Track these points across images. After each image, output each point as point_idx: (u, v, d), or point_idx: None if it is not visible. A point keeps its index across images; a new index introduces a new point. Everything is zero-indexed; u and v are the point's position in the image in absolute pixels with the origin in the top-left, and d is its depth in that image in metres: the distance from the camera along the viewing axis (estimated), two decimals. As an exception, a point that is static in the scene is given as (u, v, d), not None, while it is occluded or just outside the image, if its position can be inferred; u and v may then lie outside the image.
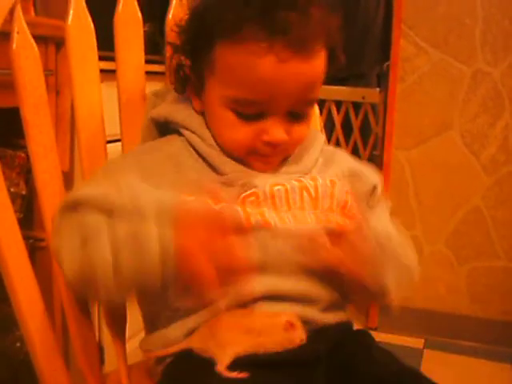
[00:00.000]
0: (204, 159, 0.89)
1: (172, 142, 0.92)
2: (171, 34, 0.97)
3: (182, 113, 0.93)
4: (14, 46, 0.86)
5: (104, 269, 0.74)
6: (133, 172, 0.85)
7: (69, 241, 0.79)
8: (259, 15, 0.81)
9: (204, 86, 0.90)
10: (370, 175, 1.00)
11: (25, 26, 0.87)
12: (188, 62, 0.91)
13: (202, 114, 0.92)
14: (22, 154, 1.45)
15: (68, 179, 1.46)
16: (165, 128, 0.94)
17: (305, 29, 0.82)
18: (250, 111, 0.86)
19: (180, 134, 0.92)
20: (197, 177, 0.87)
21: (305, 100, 0.88)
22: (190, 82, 0.92)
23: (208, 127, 0.91)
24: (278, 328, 0.80)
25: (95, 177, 0.89)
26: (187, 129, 0.91)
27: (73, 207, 0.81)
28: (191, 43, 0.90)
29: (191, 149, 0.90)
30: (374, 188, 0.98)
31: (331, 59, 0.89)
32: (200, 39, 0.87)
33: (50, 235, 0.86)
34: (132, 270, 0.74)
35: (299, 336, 0.80)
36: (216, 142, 0.90)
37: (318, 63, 0.86)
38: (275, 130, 0.86)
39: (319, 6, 0.85)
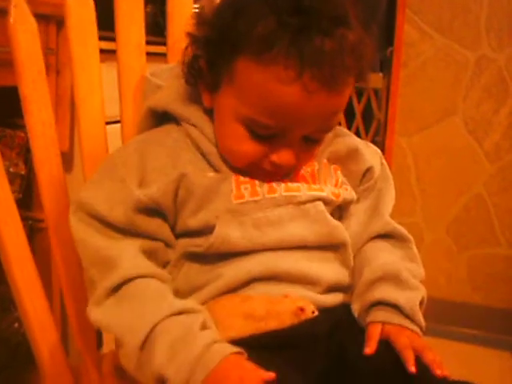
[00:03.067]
0: (202, 153, 0.87)
1: (170, 133, 0.89)
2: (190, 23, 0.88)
3: (182, 104, 0.89)
4: (12, 19, 0.85)
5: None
6: (134, 175, 0.83)
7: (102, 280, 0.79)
8: (293, 39, 0.74)
9: (219, 88, 0.84)
10: (368, 156, 0.98)
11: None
12: (205, 59, 0.85)
13: (210, 110, 0.88)
14: (22, 134, 1.44)
15: (67, 160, 1.46)
16: (162, 115, 0.91)
17: (338, 61, 0.76)
18: (264, 132, 0.82)
19: (177, 123, 0.90)
20: (193, 171, 0.85)
21: (324, 128, 0.85)
22: (203, 76, 0.86)
23: (211, 123, 0.88)
24: (286, 314, 0.80)
25: (103, 178, 0.86)
26: (187, 122, 0.88)
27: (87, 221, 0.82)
28: (213, 44, 0.83)
29: (189, 141, 0.88)
30: (368, 169, 0.97)
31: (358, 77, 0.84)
32: (223, 45, 0.81)
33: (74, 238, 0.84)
34: None
35: (310, 309, 0.81)
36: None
37: (345, 93, 0.81)
38: (285, 154, 0.83)
39: (357, 29, 0.79)
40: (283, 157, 0.83)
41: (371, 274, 0.89)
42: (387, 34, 2.48)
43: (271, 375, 0.68)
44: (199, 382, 0.69)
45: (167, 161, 0.85)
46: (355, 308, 0.88)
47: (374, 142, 2.56)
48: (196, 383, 0.69)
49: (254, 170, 0.85)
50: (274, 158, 0.83)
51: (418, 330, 0.85)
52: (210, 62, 0.84)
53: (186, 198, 0.84)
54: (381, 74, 2.57)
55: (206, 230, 0.83)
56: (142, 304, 0.76)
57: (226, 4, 0.84)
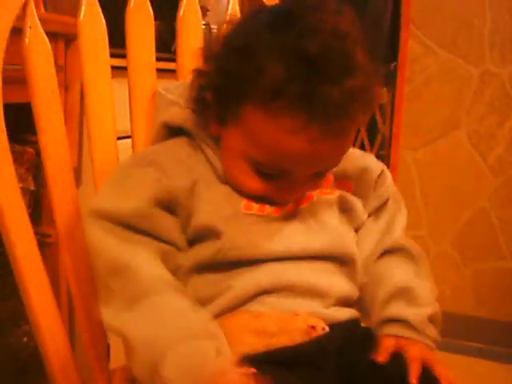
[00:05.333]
0: (214, 170, 0.87)
1: (183, 147, 0.89)
2: (198, 56, 0.88)
3: (195, 124, 0.89)
4: (27, 41, 0.86)
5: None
6: (153, 181, 0.83)
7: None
8: (300, 90, 0.73)
9: (226, 123, 0.84)
10: (374, 166, 0.98)
11: (37, 21, 0.87)
12: (212, 93, 0.84)
13: (217, 138, 0.87)
14: (31, 150, 1.45)
15: (76, 174, 1.47)
16: (175, 130, 0.92)
17: (346, 112, 0.75)
18: (270, 172, 0.82)
19: (190, 138, 0.90)
20: (206, 180, 0.86)
21: (331, 167, 0.86)
22: (210, 107, 0.85)
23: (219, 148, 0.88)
24: (298, 332, 0.80)
25: (117, 185, 0.86)
26: (201, 139, 0.89)
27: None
28: (219, 86, 0.82)
29: (202, 157, 0.88)
30: (380, 175, 0.97)
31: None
32: (230, 89, 0.80)
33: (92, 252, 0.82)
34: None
35: (321, 327, 0.81)
36: None
37: (350, 138, 0.82)
38: (290, 191, 0.84)
39: (365, 74, 0.77)
40: (291, 192, 0.85)
41: (384, 294, 0.90)
42: (391, 49, 2.50)
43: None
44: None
45: (181, 171, 0.85)
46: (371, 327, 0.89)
47: (378, 156, 2.57)
48: None
49: (261, 198, 0.86)
50: (279, 196, 0.84)
51: (429, 342, 0.87)
52: (217, 98, 0.83)
53: (196, 204, 0.84)
54: (385, 89, 2.59)
55: (213, 235, 0.83)
56: (161, 322, 0.75)
57: (233, 45, 0.82)
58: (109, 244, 0.79)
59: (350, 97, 0.75)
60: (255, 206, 0.85)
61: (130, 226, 0.80)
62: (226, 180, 0.87)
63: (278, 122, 0.76)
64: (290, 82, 0.73)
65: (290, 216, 0.87)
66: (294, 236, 0.86)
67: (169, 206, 0.83)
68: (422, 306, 0.89)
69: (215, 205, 0.84)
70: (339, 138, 0.78)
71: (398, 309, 0.88)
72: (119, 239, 0.79)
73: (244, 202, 0.85)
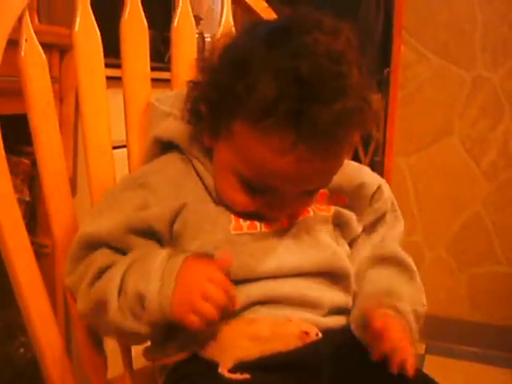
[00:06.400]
0: (204, 184, 0.88)
1: (174, 163, 0.90)
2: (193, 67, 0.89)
3: (187, 137, 0.90)
4: (23, 53, 0.87)
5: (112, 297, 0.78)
6: (136, 206, 0.85)
7: (83, 277, 0.83)
8: (290, 110, 0.73)
9: (218, 136, 0.84)
10: (370, 181, 0.97)
11: (33, 33, 0.88)
12: (206, 105, 0.84)
13: (210, 152, 0.88)
14: (26, 161, 1.45)
15: (71, 185, 1.47)
16: (168, 143, 0.92)
17: (334, 134, 0.75)
18: (258, 188, 0.82)
19: (182, 152, 0.91)
20: (194, 200, 0.86)
21: (320, 186, 0.86)
22: (203, 119, 0.86)
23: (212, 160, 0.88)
24: (291, 337, 0.81)
25: (104, 208, 0.89)
26: (192, 155, 0.89)
27: (86, 247, 0.85)
28: (212, 101, 0.82)
29: (193, 171, 0.89)
30: (376, 190, 0.97)
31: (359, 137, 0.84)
32: (222, 104, 0.80)
33: (65, 272, 0.88)
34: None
35: (314, 332, 0.82)
36: None
37: (341, 160, 0.82)
38: (282, 206, 0.84)
39: (358, 95, 0.76)
40: (277, 212, 0.85)
41: (372, 290, 0.90)
42: (384, 56, 2.51)
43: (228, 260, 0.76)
44: (171, 288, 0.75)
45: (170, 192, 0.86)
46: (351, 319, 0.89)
47: (372, 162, 2.58)
48: (168, 290, 0.75)
49: (251, 214, 0.86)
50: (268, 212, 0.85)
51: (408, 328, 0.85)
52: (211, 111, 0.83)
53: (182, 230, 0.85)
54: (379, 95, 2.59)
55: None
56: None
57: (228, 58, 0.82)
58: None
59: (339, 119, 0.74)
60: (245, 225, 0.86)
61: (108, 244, 0.84)
62: (216, 195, 0.87)
63: (266, 141, 0.76)
64: (279, 101, 0.73)
65: (284, 231, 0.88)
66: (287, 254, 0.86)
67: (146, 231, 0.85)
68: (410, 304, 0.89)
69: (204, 231, 0.84)
70: (328, 159, 0.78)
71: (386, 300, 0.87)
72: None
73: (233, 223, 0.85)
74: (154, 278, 0.76)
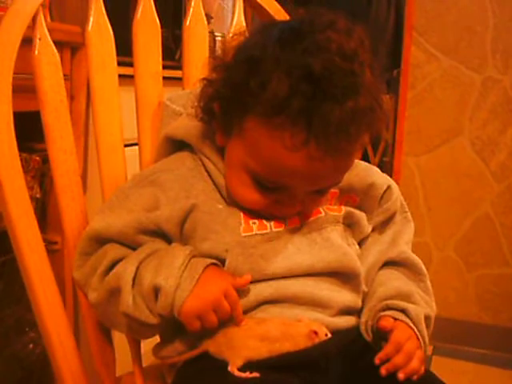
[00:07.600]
0: (215, 184, 0.88)
1: (184, 162, 0.90)
2: (206, 65, 0.89)
3: (199, 136, 0.90)
4: (36, 52, 0.87)
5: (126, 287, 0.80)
6: (146, 206, 0.86)
7: (96, 268, 0.86)
8: (302, 107, 0.73)
9: (231, 134, 0.84)
10: (380, 182, 0.97)
11: (46, 32, 0.88)
12: (219, 103, 0.85)
13: (222, 150, 0.88)
14: (37, 158, 1.45)
15: (82, 182, 1.48)
16: (179, 142, 0.93)
17: (346, 132, 0.75)
18: (269, 185, 0.82)
19: (193, 151, 0.91)
20: (204, 200, 0.87)
21: (330, 185, 0.86)
22: (216, 117, 0.86)
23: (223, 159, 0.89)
24: (300, 337, 0.81)
25: (114, 205, 0.89)
26: (203, 154, 0.90)
27: (96, 242, 0.87)
28: (225, 98, 0.83)
29: (203, 170, 0.89)
30: (386, 190, 0.97)
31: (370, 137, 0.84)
32: (235, 101, 0.80)
33: (74, 266, 0.90)
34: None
35: (324, 332, 0.82)
36: None
37: (353, 156, 0.82)
38: (289, 207, 0.85)
39: (369, 93, 0.77)
40: (287, 210, 0.85)
41: (384, 294, 0.90)
42: (394, 56, 2.50)
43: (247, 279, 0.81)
44: (188, 290, 0.77)
45: (180, 191, 0.86)
46: (362, 321, 0.90)
47: (381, 162, 2.58)
48: (185, 292, 0.77)
49: (261, 213, 0.86)
50: (278, 210, 0.85)
51: (419, 334, 0.86)
52: (223, 109, 0.84)
53: (192, 230, 0.85)
54: (388, 96, 2.59)
55: (217, 260, 0.84)
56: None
57: (241, 56, 0.82)
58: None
59: (351, 117, 0.74)
60: (254, 226, 0.86)
61: (117, 241, 0.86)
62: (226, 194, 0.87)
63: (277, 137, 0.76)
64: (291, 98, 0.74)
65: (296, 230, 0.88)
66: (299, 255, 0.86)
67: (156, 231, 0.86)
68: (420, 306, 0.90)
69: (214, 232, 0.85)
70: (339, 158, 0.78)
71: (397, 302, 0.88)
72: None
73: (243, 225, 0.86)
74: (175, 273, 0.78)
